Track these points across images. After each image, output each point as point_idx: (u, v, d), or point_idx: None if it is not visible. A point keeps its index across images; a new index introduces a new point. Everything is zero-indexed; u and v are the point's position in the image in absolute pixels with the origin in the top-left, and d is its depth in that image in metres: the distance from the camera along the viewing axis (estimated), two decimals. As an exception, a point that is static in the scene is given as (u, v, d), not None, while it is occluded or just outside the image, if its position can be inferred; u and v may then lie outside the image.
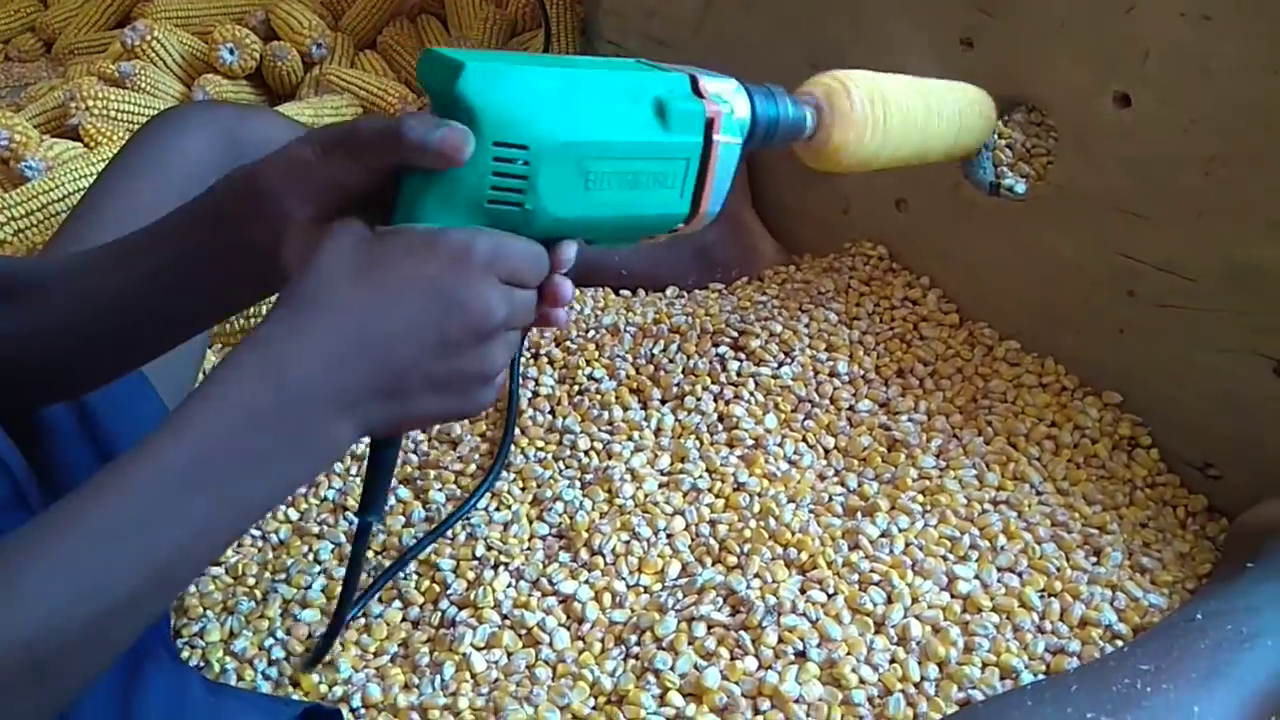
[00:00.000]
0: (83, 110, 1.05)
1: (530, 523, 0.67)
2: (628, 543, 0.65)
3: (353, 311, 0.38)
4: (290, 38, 1.19)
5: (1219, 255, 0.66)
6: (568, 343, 0.80)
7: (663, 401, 0.75)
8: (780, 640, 0.58)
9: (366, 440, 0.43)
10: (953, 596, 0.61)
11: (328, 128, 0.42)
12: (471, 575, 0.63)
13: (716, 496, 0.68)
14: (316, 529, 0.69)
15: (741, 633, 0.58)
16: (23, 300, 0.47)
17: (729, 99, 0.47)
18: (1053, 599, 0.60)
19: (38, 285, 0.48)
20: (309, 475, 0.40)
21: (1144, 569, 0.63)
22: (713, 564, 0.64)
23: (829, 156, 0.59)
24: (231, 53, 1.15)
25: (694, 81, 0.46)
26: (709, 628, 0.59)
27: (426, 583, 0.64)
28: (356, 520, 0.47)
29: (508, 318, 0.41)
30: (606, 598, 0.62)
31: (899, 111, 0.61)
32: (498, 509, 0.68)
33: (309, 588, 0.65)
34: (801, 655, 0.57)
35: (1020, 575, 0.62)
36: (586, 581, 0.63)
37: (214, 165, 0.75)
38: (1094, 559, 0.64)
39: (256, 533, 0.70)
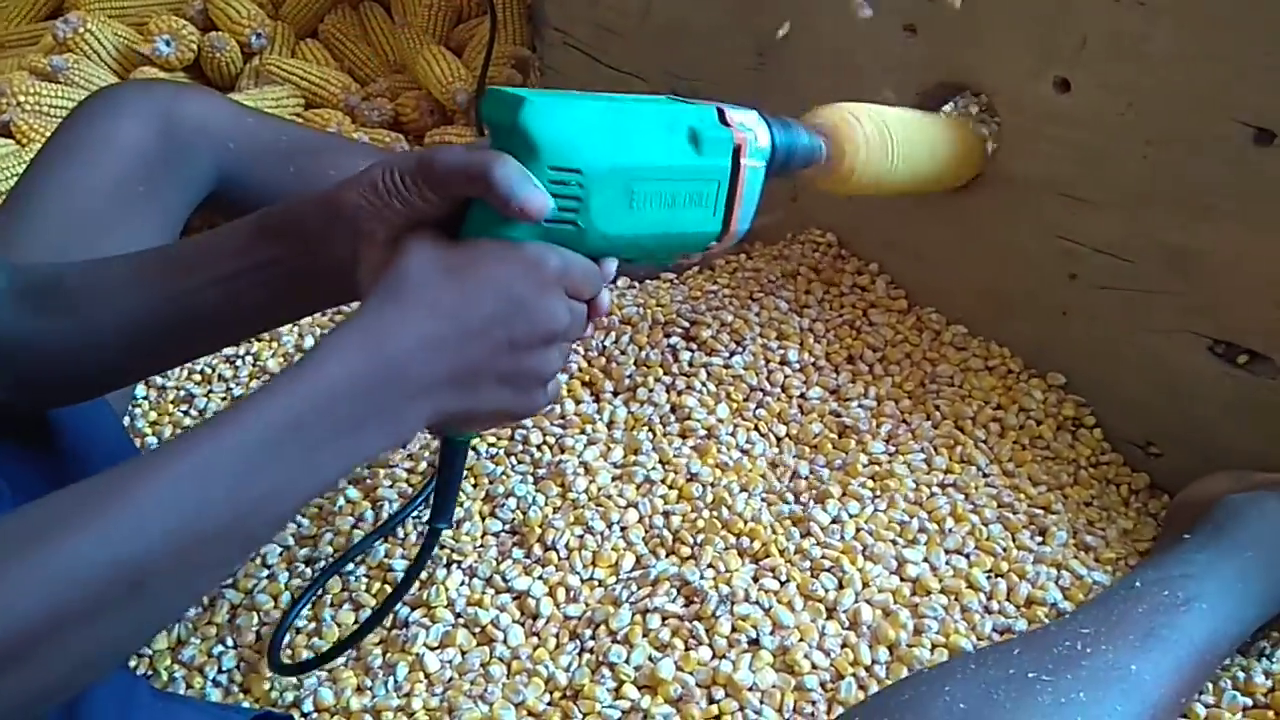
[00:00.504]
0: (14, 106, 1.02)
1: (483, 520, 0.67)
2: (581, 537, 0.65)
3: (441, 306, 0.43)
4: (229, 28, 1.16)
5: (1155, 238, 0.68)
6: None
7: (615, 394, 0.75)
8: (734, 629, 0.58)
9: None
10: (902, 580, 0.62)
11: (404, 156, 0.47)
12: (424, 575, 0.63)
13: (670, 488, 0.68)
14: (265, 532, 0.68)
15: (695, 623, 0.59)
16: (58, 305, 0.50)
17: (751, 127, 0.52)
18: (999, 579, 0.61)
19: (74, 290, 0.50)
20: (383, 449, 0.44)
21: (1088, 547, 0.65)
22: (666, 555, 0.64)
23: (841, 180, 0.64)
24: (168, 44, 1.12)
25: (720, 113, 0.51)
26: (663, 619, 0.59)
27: (378, 585, 0.63)
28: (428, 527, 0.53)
29: (569, 327, 0.46)
30: (561, 593, 0.62)
31: (903, 142, 0.66)
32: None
33: (256, 592, 0.64)
34: (755, 643, 0.58)
35: (968, 557, 0.63)
36: (540, 577, 0.63)
37: (150, 147, 0.73)
38: (1039, 539, 0.65)
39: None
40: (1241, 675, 0.56)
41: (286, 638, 0.61)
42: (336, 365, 0.41)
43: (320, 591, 0.63)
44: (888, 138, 0.65)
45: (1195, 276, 0.67)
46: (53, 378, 0.52)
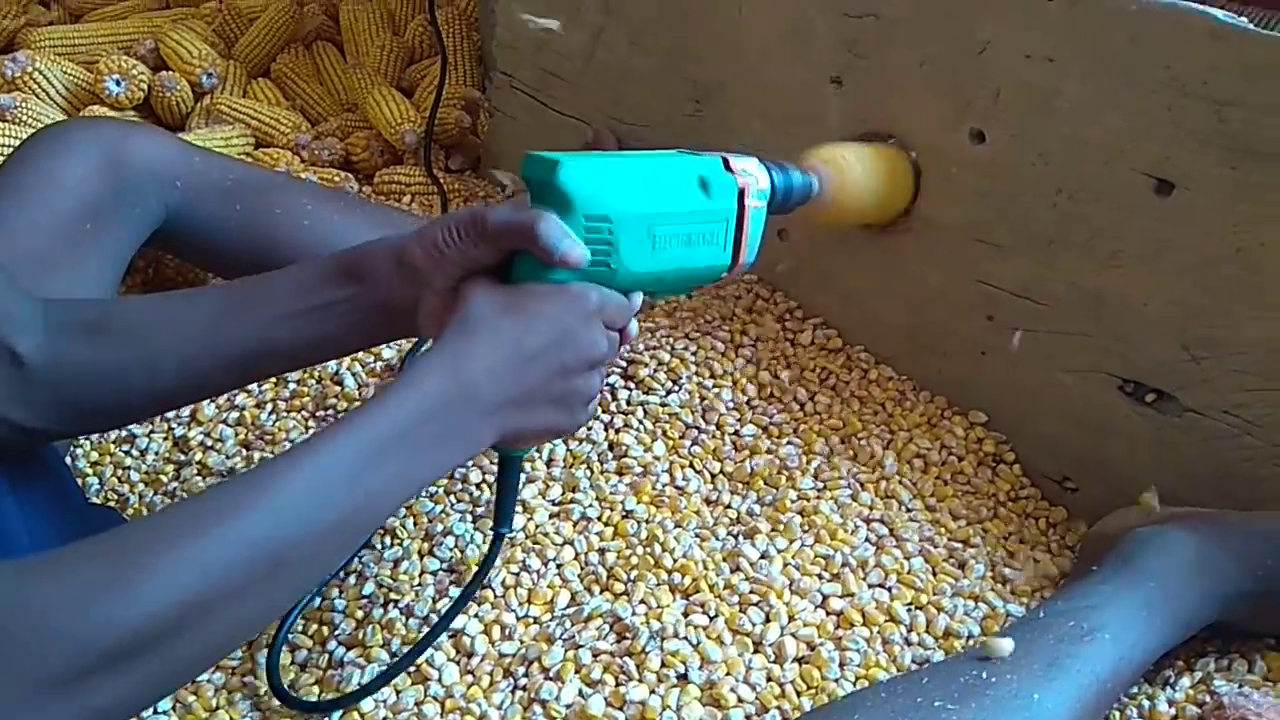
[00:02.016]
0: (-41, 144, 1.02)
1: (421, 558, 0.68)
2: (517, 574, 0.66)
3: (502, 338, 0.51)
4: (180, 68, 1.17)
5: (1067, 282, 0.71)
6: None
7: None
8: (663, 664, 0.60)
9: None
10: (827, 614, 0.64)
11: (458, 215, 0.53)
12: (360, 614, 0.64)
13: (605, 525, 0.70)
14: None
15: (626, 659, 0.60)
16: (114, 337, 0.55)
17: (752, 173, 0.60)
18: (919, 611, 0.64)
19: (134, 324, 0.56)
20: (457, 463, 0.52)
21: (1005, 579, 0.67)
22: (600, 592, 0.66)
23: (835, 213, 0.70)
24: (118, 84, 1.12)
25: (725, 162, 0.58)
26: (594, 655, 0.61)
27: (315, 625, 0.64)
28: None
29: (607, 353, 0.55)
30: (496, 630, 0.63)
31: (874, 174, 0.73)
32: (389, 545, 0.69)
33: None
34: (683, 678, 0.59)
35: (890, 590, 0.65)
36: (476, 615, 0.64)
37: (97, 186, 0.74)
38: (959, 571, 0.67)
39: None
40: (1146, 703, 0.58)
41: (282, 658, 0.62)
42: (424, 388, 0.48)
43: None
44: (868, 174, 0.72)
45: (1105, 319, 0.70)
46: (100, 404, 0.57)
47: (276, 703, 0.59)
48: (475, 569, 0.64)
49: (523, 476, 0.73)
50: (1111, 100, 0.67)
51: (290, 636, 0.63)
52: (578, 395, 0.54)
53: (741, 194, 0.58)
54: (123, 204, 0.75)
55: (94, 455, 0.79)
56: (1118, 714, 0.58)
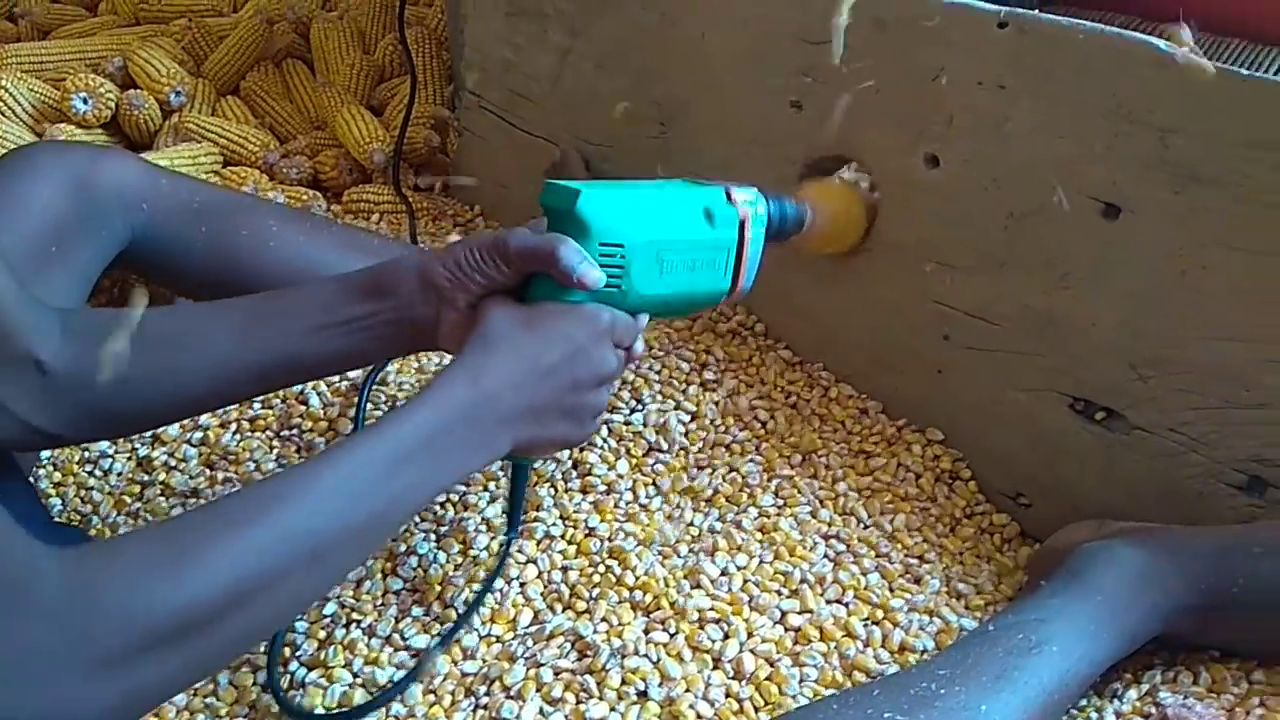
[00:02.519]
0: (-78, 162, 1.01)
1: (384, 578, 0.68)
2: (480, 593, 0.67)
3: (521, 352, 0.54)
4: (148, 86, 1.17)
5: (1019, 303, 0.73)
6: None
7: (518, 451, 0.77)
8: (623, 682, 0.61)
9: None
10: (785, 629, 0.65)
11: (481, 238, 0.57)
12: (322, 635, 0.64)
13: (569, 543, 0.71)
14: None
15: (587, 676, 0.61)
16: (143, 345, 0.57)
17: (752, 203, 0.63)
18: (875, 626, 0.65)
19: (157, 335, 0.58)
20: (476, 468, 0.55)
21: (960, 594, 0.69)
22: (563, 610, 0.66)
23: (827, 240, 0.74)
24: (85, 102, 1.12)
25: (728, 193, 0.62)
26: (556, 674, 0.61)
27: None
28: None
29: (616, 370, 0.58)
30: (458, 650, 0.64)
31: (854, 206, 0.77)
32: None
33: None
34: (643, 695, 0.60)
35: (847, 606, 0.66)
36: (439, 635, 0.64)
37: (64, 210, 0.74)
38: (915, 586, 0.68)
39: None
40: (1095, 715, 0.60)
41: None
42: (449, 397, 0.52)
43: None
44: (838, 206, 0.75)
45: (1055, 339, 0.72)
46: (124, 411, 0.59)
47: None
48: (487, 574, 0.67)
49: (486, 495, 0.73)
50: (1060, 126, 0.69)
51: (250, 657, 0.64)
52: (588, 409, 0.58)
53: (742, 225, 0.62)
54: (88, 226, 0.76)
55: (57, 475, 0.79)
56: (1067, 725, 0.59)
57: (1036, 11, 0.70)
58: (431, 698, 0.61)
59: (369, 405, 0.80)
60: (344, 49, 1.29)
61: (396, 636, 0.64)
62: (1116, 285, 0.69)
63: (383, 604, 0.67)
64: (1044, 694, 0.54)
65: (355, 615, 0.65)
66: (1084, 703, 0.61)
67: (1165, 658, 0.63)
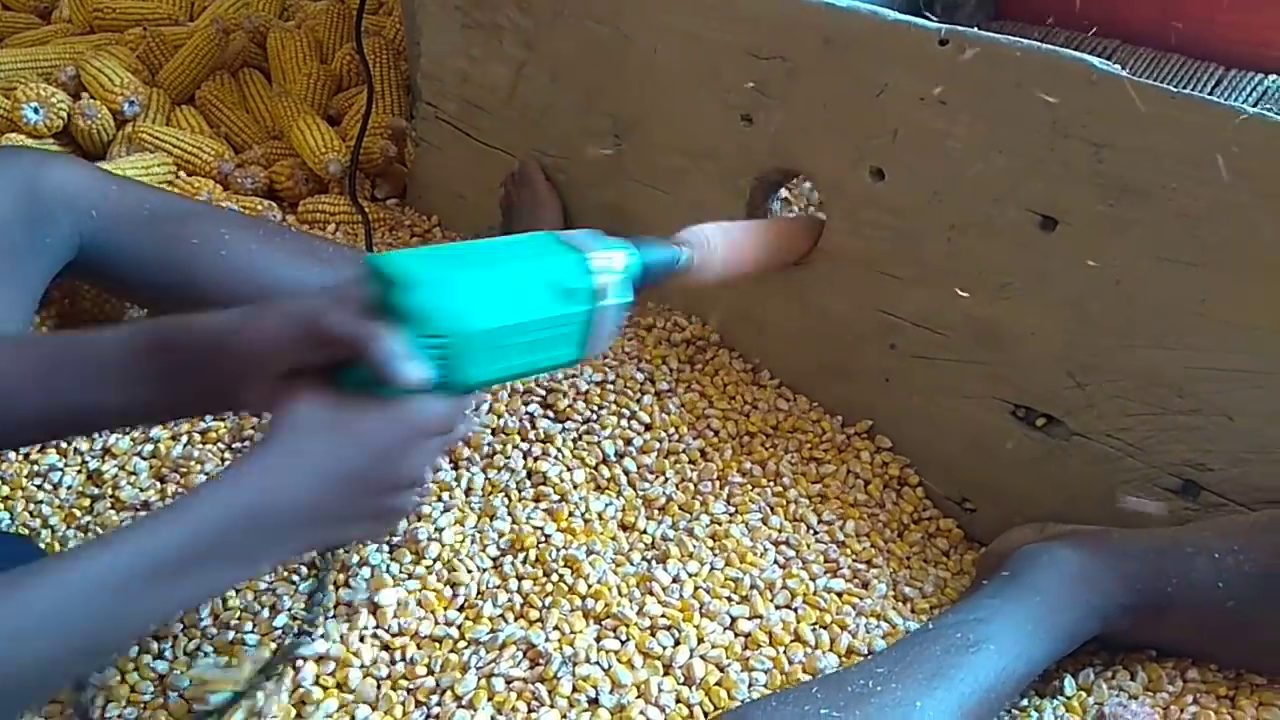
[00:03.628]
0: None
1: (336, 589, 0.68)
2: (433, 602, 0.67)
3: (320, 453, 0.49)
4: (101, 95, 1.17)
5: (961, 313, 0.75)
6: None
7: (472, 461, 0.78)
8: (575, 689, 0.61)
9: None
10: (735, 635, 0.66)
11: (296, 310, 0.51)
12: (274, 646, 0.64)
13: (521, 551, 0.71)
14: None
15: (539, 685, 0.61)
16: None
17: (615, 267, 0.58)
18: (823, 630, 0.66)
19: None
20: (239, 581, 0.54)
21: (906, 598, 0.70)
22: (515, 619, 0.67)
23: (711, 276, 0.71)
24: (36, 111, 1.11)
25: (587, 257, 0.56)
26: (508, 682, 0.62)
27: (226, 658, 0.64)
28: None
29: (423, 474, 0.54)
30: (407, 659, 0.64)
31: (742, 243, 0.74)
32: (304, 579, 0.69)
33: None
34: (595, 702, 0.61)
35: (796, 611, 0.68)
36: (385, 646, 0.64)
37: (9, 216, 0.73)
38: (863, 591, 0.70)
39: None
40: (1034, 714, 0.61)
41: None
42: (225, 505, 0.47)
43: None
44: (729, 243, 0.72)
45: (997, 348, 0.74)
46: None
47: None
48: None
49: (440, 505, 0.74)
50: (998, 141, 0.71)
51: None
52: (387, 512, 0.53)
53: (599, 294, 0.56)
54: (36, 233, 0.74)
55: (4, 489, 0.78)
56: (1007, 724, 0.61)
57: (976, 29, 0.72)
58: (383, 705, 0.62)
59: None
60: (301, 59, 1.29)
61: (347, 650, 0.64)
62: (1054, 295, 0.71)
63: (334, 615, 0.67)
64: (980, 691, 0.56)
65: (307, 628, 0.65)
66: (1024, 701, 0.62)
67: (1104, 657, 0.65)
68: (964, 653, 0.57)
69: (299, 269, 0.84)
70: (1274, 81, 1.08)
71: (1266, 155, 0.61)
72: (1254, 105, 1.05)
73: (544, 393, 0.83)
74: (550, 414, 0.81)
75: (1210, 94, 1.06)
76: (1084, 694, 0.61)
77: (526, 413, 0.81)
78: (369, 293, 0.51)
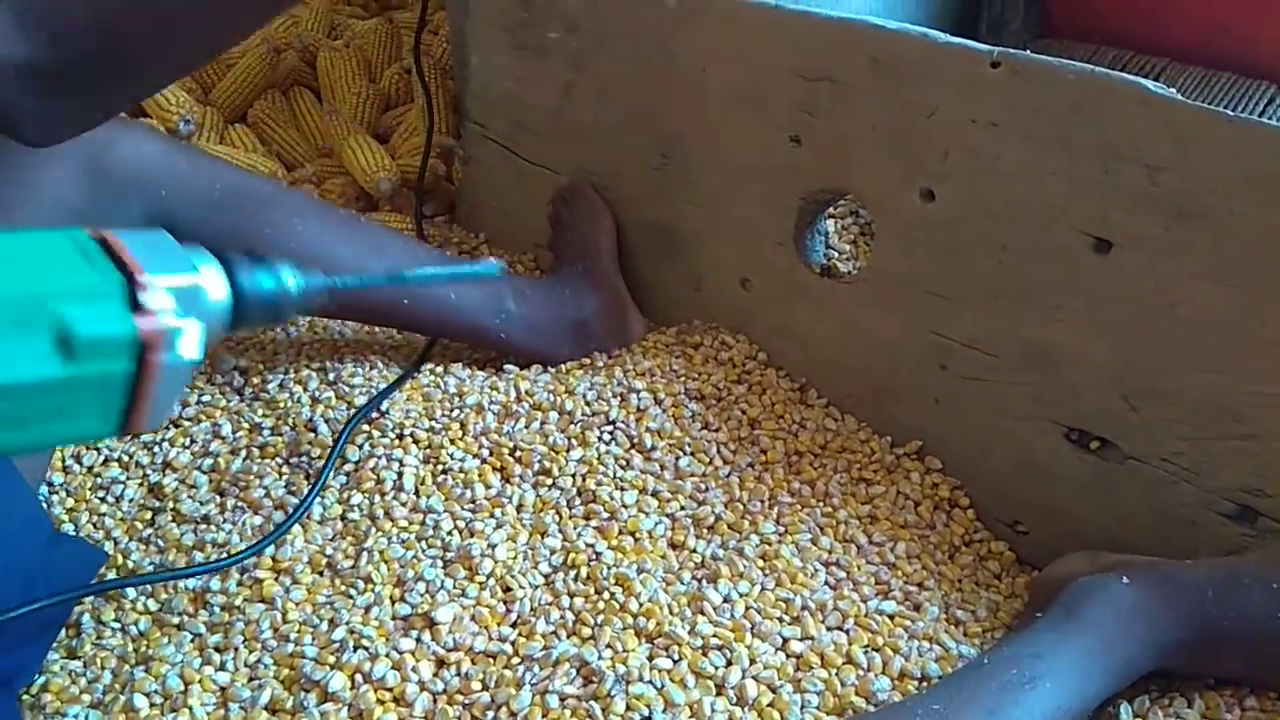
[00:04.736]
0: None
1: (393, 604, 0.69)
2: (487, 619, 0.68)
3: None
4: (157, 114, 1.20)
5: (1012, 334, 0.74)
6: (432, 422, 0.83)
7: (523, 478, 0.79)
8: (628, 708, 0.62)
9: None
10: (787, 656, 0.66)
11: None
12: (331, 660, 0.65)
13: (573, 569, 0.72)
14: (176, 620, 0.70)
15: (592, 703, 0.62)
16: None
17: (188, 304, 0.37)
18: (875, 653, 0.66)
19: None
20: None
21: (958, 621, 0.70)
22: (568, 636, 0.68)
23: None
24: (96, 130, 1.14)
25: (134, 285, 0.36)
26: (562, 700, 0.63)
27: (285, 670, 0.65)
28: None
29: None
30: (462, 675, 0.65)
31: None
32: (360, 592, 0.70)
33: (166, 678, 0.65)
34: (648, 720, 0.61)
35: (848, 633, 0.68)
36: (441, 660, 0.65)
37: (75, 197, 0.71)
38: (915, 614, 0.70)
39: (115, 625, 0.70)
40: (1090, 740, 0.61)
41: None
42: None
43: None
44: None
45: (1049, 369, 0.73)
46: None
47: None
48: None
49: (492, 522, 0.75)
50: (1051, 163, 0.71)
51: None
52: None
53: (145, 347, 0.36)
54: (101, 212, 0.72)
55: (70, 502, 0.80)
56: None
57: (1027, 51, 0.72)
58: (439, 723, 0.62)
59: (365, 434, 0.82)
60: (350, 77, 1.32)
61: (405, 663, 0.65)
62: (1107, 317, 0.70)
63: (390, 629, 0.68)
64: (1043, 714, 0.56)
65: (363, 641, 0.66)
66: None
67: (1160, 684, 0.64)
68: (1020, 689, 0.56)
69: (369, 265, 0.84)
70: (1327, 98, 1.07)
71: (1328, 179, 0.60)
72: (1307, 123, 1.04)
73: (592, 411, 0.83)
74: (602, 432, 0.82)
75: (1262, 113, 1.05)
76: (1141, 721, 0.61)
77: (577, 430, 0.82)
78: None
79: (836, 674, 0.65)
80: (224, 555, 0.73)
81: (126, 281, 0.36)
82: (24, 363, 0.34)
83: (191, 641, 0.69)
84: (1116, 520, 0.72)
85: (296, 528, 0.75)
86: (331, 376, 0.89)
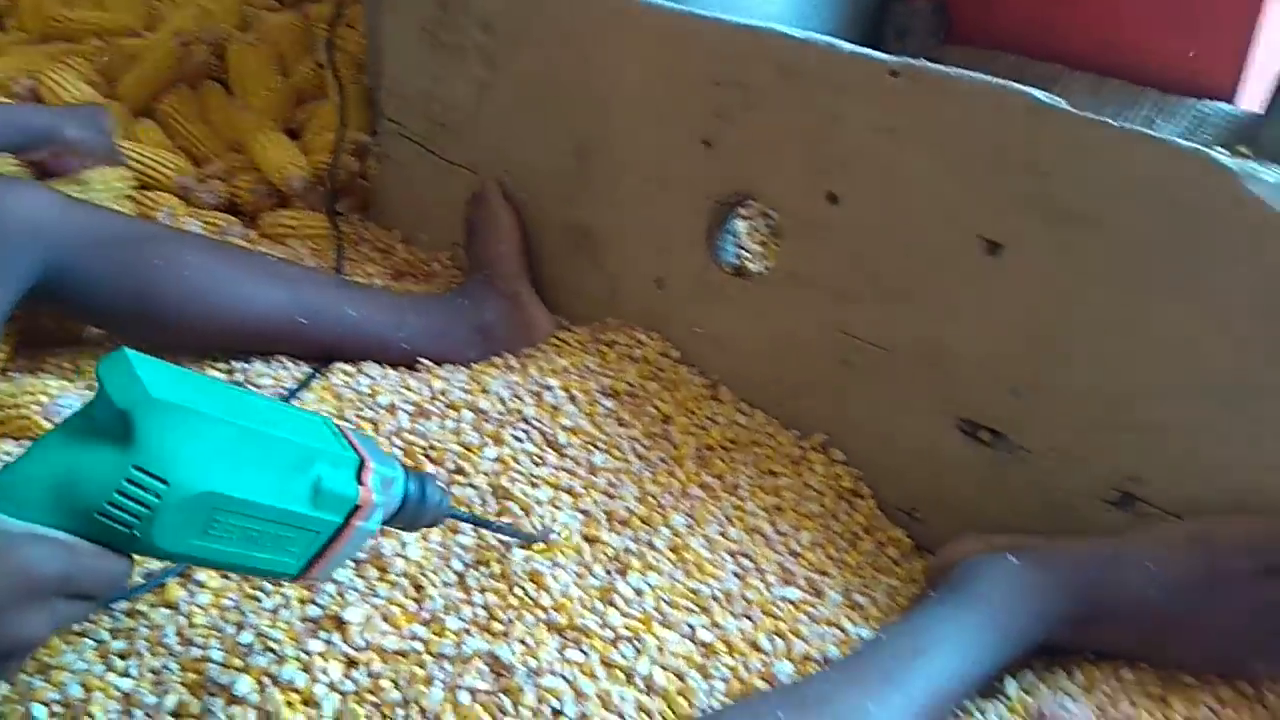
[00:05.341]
0: None
1: (301, 605, 0.69)
2: (398, 616, 0.68)
3: None
4: (52, 98, 1.16)
5: (910, 331, 0.78)
6: (343, 422, 0.83)
7: (437, 478, 0.79)
8: (539, 700, 0.63)
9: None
10: (695, 644, 0.68)
11: None
12: (239, 663, 0.65)
13: (485, 565, 0.73)
14: (78, 627, 0.68)
15: (502, 696, 0.63)
16: None
17: (384, 492, 0.51)
18: (779, 639, 0.68)
19: None
20: None
21: (858, 606, 0.73)
22: (480, 632, 0.68)
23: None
24: (-9, 123, 1.10)
25: (362, 464, 0.49)
26: (473, 695, 0.63)
27: (191, 675, 0.65)
28: None
29: (38, 638, 0.43)
30: (369, 673, 0.65)
31: None
32: (268, 595, 0.70)
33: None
34: (558, 713, 0.62)
35: (753, 620, 0.70)
36: (350, 660, 0.65)
37: None
38: (817, 599, 0.72)
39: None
40: (979, 716, 0.64)
41: None
42: None
43: None
44: None
45: (944, 365, 0.77)
46: None
47: None
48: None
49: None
50: (945, 168, 0.74)
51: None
52: None
53: (355, 511, 0.49)
54: (2, 260, 0.75)
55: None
56: (953, 727, 0.64)
57: (924, 60, 0.75)
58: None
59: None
60: (262, 71, 1.29)
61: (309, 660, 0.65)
62: (998, 316, 0.74)
63: (298, 631, 0.67)
64: (927, 694, 0.59)
65: (271, 644, 0.66)
66: (969, 706, 0.65)
67: (1045, 660, 0.68)
68: (913, 658, 0.59)
69: (261, 288, 0.85)
70: (1209, 107, 1.14)
71: (1197, 187, 0.64)
72: (1189, 130, 1.10)
73: (504, 409, 0.84)
74: (513, 430, 0.83)
75: (1149, 118, 1.10)
76: (1025, 695, 0.64)
77: (490, 428, 0.83)
78: (100, 380, 0.43)
79: (743, 660, 0.67)
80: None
81: (359, 462, 0.49)
82: (287, 498, 0.46)
83: (94, 649, 0.67)
84: (1007, 507, 0.76)
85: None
86: (240, 377, 0.88)
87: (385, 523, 0.53)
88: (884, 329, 0.79)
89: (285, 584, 0.71)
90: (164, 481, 0.42)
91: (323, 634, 0.67)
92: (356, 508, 0.49)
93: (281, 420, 0.48)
